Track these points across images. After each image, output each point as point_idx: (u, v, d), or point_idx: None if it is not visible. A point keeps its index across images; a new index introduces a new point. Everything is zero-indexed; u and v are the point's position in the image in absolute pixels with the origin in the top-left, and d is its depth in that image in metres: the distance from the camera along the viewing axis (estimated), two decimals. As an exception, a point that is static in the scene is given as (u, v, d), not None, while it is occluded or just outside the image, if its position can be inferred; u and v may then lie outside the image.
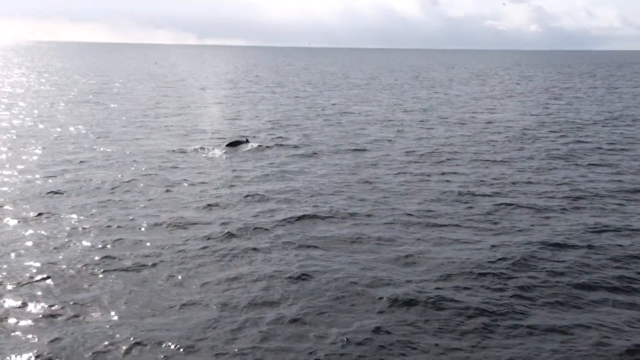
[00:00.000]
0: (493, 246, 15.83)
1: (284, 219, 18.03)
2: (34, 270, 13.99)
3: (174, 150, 28.91)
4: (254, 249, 15.57)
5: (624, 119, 43.21)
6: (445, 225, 17.83)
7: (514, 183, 23.24)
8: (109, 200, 20.14)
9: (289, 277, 13.58)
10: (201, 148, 29.42)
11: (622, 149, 30.85)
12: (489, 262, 14.72)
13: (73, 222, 17.72)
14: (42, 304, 12.32)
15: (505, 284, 13.51)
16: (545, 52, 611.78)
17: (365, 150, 30.14)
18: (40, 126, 36.71)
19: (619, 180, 23.72)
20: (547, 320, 11.88)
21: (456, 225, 17.89)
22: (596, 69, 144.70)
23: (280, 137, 33.58)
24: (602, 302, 12.79)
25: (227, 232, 16.75)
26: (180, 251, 15.35)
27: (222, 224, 17.59)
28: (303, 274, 13.72)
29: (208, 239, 16.30)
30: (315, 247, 15.73)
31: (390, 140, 33.20)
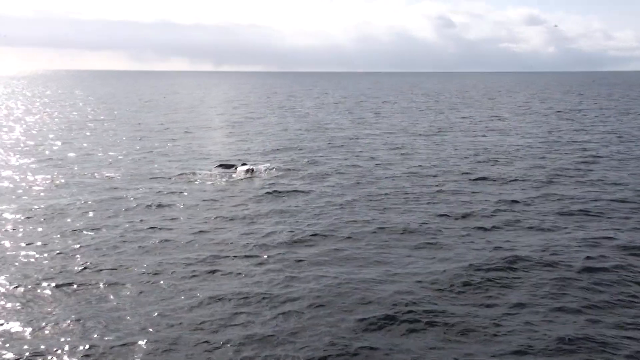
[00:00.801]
0: (479, 268, 15.52)
1: (279, 241, 17.93)
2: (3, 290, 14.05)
3: (178, 175, 28.91)
4: (239, 271, 15.44)
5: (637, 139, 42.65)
6: (438, 245, 17.57)
7: (514, 202, 22.93)
8: (103, 222, 20.20)
9: (268, 298, 13.41)
10: (203, 172, 29.47)
11: (628, 169, 30.34)
12: (475, 281, 14.47)
13: (60, 244, 17.76)
14: (11, 321, 12.29)
15: (489, 303, 13.20)
16: (562, 74, 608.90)
17: (369, 172, 29.97)
18: (46, 151, 37.12)
19: (623, 200, 23.29)
20: (529, 341, 11.55)
21: (449, 247, 17.60)
22: (612, 89, 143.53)
23: (286, 160, 33.52)
24: (588, 322, 12.42)
25: (218, 254, 16.68)
26: (164, 273, 15.24)
27: (214, 246, 17.51)
28: (282, 295, 13.54)
29: (195, 261, 16.20)
30: (301, 268, 15.54)
31: (395, 163, 32.99)
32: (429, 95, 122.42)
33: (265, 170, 29.88)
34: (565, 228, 19.43)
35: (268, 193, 24.83)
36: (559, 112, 71.26)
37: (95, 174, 29.20)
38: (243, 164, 30.47)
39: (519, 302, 13.37)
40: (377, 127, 53.19)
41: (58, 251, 17.09)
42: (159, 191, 25.40)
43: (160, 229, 19.56)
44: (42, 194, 24.77)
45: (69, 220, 20.53)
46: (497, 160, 33.37)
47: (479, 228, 19.44)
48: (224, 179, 27.96)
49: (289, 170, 30.34)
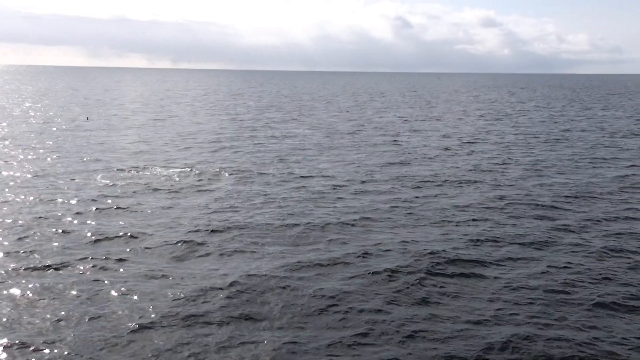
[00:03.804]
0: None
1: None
2: None
3: (89, 175, 28.01)
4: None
5: (563, 139, 43.57)
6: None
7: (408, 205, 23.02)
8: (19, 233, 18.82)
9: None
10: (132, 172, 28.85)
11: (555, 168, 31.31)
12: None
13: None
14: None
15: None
16: (516, 75, 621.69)
17: (290, 170, 29.89)
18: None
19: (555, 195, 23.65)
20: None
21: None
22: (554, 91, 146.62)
23: (209, 162, 32.62)
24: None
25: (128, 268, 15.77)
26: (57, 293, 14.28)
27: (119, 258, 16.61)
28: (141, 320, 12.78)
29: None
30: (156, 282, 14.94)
31: (314, 159, 33.08)
32: (374, 96, 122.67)
33: (182, 172, 28.80)
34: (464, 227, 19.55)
35: (172, 198, 24.22)
36: (495, 111, 72.02)
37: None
38: (156, 167, 29.96)
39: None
40: (306, 125, 52.77)
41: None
42: (72, 193, 24.55)
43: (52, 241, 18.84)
44: None
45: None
46: (406, 161, 33.46)
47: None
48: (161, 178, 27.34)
49: (209, 172, 29.18)
